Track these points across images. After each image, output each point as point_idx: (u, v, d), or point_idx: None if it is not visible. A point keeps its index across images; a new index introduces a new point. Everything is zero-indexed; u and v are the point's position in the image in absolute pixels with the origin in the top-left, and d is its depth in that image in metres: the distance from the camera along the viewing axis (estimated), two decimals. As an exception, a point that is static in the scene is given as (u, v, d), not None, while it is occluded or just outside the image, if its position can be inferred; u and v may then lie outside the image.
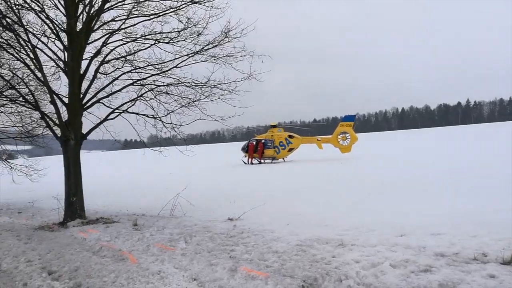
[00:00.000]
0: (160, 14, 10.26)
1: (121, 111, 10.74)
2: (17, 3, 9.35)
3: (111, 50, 10.64)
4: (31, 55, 9.77)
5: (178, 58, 10.71)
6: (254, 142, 29.00)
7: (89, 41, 10.31)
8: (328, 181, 13.91)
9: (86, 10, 10.07)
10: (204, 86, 10.76)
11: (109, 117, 10.69)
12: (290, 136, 28.37)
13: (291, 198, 11.14)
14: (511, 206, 7.63)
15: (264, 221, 7.89)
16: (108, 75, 10.92)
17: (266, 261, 5.39)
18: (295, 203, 10.17)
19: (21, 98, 11.30)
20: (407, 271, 4.42)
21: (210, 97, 10.77)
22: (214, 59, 10.69)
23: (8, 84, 11.28)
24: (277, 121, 30.40)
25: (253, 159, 28.82)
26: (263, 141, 28.84)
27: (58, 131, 10.46)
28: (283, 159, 28.79)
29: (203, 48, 10.57)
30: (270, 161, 28.82)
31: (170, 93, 10.96)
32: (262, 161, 28.98)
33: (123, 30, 10.54)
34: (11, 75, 11.62)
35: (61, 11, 10.09)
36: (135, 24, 10.48)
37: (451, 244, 5.25)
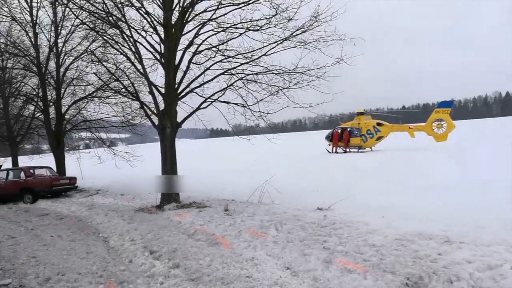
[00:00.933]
0: (250, 2, 10.28)
1: (213, 100, 11.06)
2: (121, 1, 10.05)
3: (203, 41, 10.97)
4: (133, 49, 10.46)
5: (267, 45, 10.69)
6: (339, 130, 28.14)
7: (184, 33, 10.73)
8: (421, 172, 12.91)
9: (181, 3, 10.48)
10: (293, 73, 10.62)
11: (202, 107, 11.09)
12: (378, 124, 26.93)
13: (382, 189, 10.53)
14: None
15: (356, 213, 7.54)
16: (200, 65, 11.31)
17: (363, 254, 5.11)
18: (387, 195, 9.58)
19: (124, 89, 12.25)
20: (535, 277, 3.84)
21: (298, 84, 10.61)
22: (303, 45, 10.47)
23: (113, 76, 12.27)
24: (362, 108, 29.10)
25: (338, 148, 28.02)
26: (349, 129, 27.83)
27: (155, 120, 11.15)
28: (371, 148, 27.50)
29: (292, 34, 10.40)
30: (357, 150, 27.75)
31: (259, 81, 11.01)
32: (348, 150, 28.03)
33: (214, 21, 10.80)
34: (115, 68, 12.66)
35: (158, 5, 10.63)
36: (225, 14, 10.65)
37: None
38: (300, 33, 10.35)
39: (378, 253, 5.04)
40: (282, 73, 10.72)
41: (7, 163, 23.42)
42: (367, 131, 27.02)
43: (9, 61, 19.73)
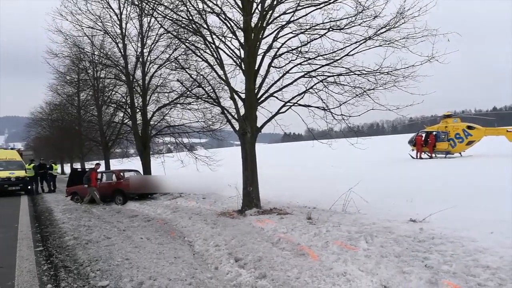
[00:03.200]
0: (331, 1, 9.90)
1: (292, 104, 10.84)
2: (203, 8, 10.27)
3: (283, 44, 10.79)
4: (215, 55, 10.61)
5: (349, 45, 10.20)
6: (423, 135, 26.31)
7: (263, 36, 10.66)
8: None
9: (259, 7, 10.43)
10: (377, 73, 10.01)
11: (281, 111, 10.92)
12: (469, 127, 24.64)
13: (482, 200, 9.44)
14: None
15: (457, 226, 6.74)
16: (279, 69, 11.16)
17: (476, 277, 4.47)
18: (493, 207, 8.53)
19: (205, 95, 12.53)
20: None
21: (385, 85, 9.96)
22: (388, 43, 9.82)
23: (195, 83, 12.62)
24: (444, 111, 26.88)
25: (423, 153, 26.19)
26: (434, 133, 25.89)
27: (235, 125, 11.20)
28: (460, 153, 25.29)
29: (376, 32, 9.80)
30: (444, 155, 25.69)
31: (340, 83, 10.55)
32: (434, 155, 26.06)
33: (293, 22, 10.58)
34: (196, 75, 13.01)
35: (238, 10, 10.68)
36: (305, 15, 10.38)
37: None
38: (385, 31, 9.72)
39: (496, 277, 4.36)
40: (366, 73, 10.16)
41: (101, 166, 25.43)
42: (456, 135, 24.89)
43: (102, 71, 21.48)
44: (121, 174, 16.37)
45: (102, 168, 22.54)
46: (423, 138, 26.06)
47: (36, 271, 6.14)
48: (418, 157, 26.07)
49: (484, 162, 19.20)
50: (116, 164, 23.92)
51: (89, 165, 31.07)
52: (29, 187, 21.32)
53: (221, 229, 8.50)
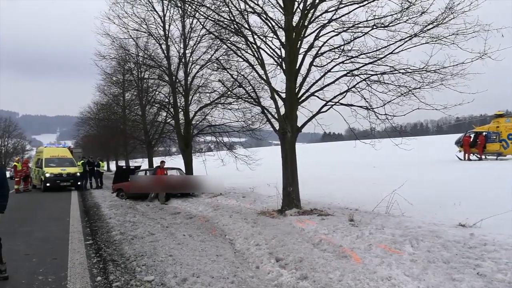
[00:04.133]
0: (374, -2, 9.65)
1: (334, 103, 10.68)
2: (245, 8, 10.34)
3: (324, 42, 10.66)
4: (256, 55, 10.66)
5: (393, 43, 9.90)
6: (472, 135, 25.04)
7: (305, 35, 10.58)
8: None
9: (301, 6, 10.35)
10: (423, 72, 9.65)
11: (322, 110, 10.79)
12: (523, 128, 23.23)
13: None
14: None
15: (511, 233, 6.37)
16: (321, 68, 11.03)
17: (534, 288, 4.20)
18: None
19: (246, 95, 12.62)
20: None
21: (432, 84, 9.59)
22: (436, 40, 9.44)
23: (236, 82, 12.74)
24: (495, 109, 25.38)
25: (471, 154, 24.94)
26: (484, 133, 24.57)
27: (276, 125, 11.19)
28: (513, 155, 23.88)
29: (422, 29, 9.45)
30: (495, 157, 24.33)
31: (384, 81, 10.27)
32: (484, 157, 24.75)
33: (335, 21, 10.41)
34: (237, 75, 13.14)
35: (279, 10, 10.66)
36: (348, 13, 10.19)
37: None
38: (432, 28, 9.35)
39: (557, 289, 4.08)
40: (411, 72, 9.82)
41: (144, 164, 26.31)
42: (509, 135, 23.49)
43: (146, 72, 22.20)
44: (165, 172, 16.82)
45: (145, 165, 23.29)
46: (471, 139, 24.79)
47: (86, 264, 6.44)
48: (467, 159, 24.85)
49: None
50: (159, 162, 24.60)
51: (133, 162, 32.27)
52: (78, 183, 22.43)
53: (261, 228, 8.51)
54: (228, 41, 11.89)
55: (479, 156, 24.84)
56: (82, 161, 23.63)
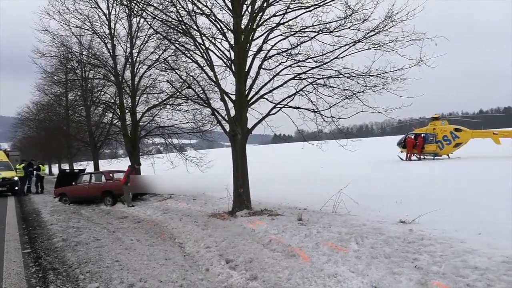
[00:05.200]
0: (321, 4, 9.97)
1: (282, 105, 10.87)
2: (193, 9, 10.25)
3: (273, 46, 10.83)
4: (205, 56, 10.60)
5: (338, 48, 10.28)
6: (413, 136, 26.59)
7: (253, 38, 10.68)
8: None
9: (249, 10, 10.45)
10: (366, 76, 10.11)
11: (271, 112, 10.94)
12: (456, 129, 24.98)
13: (470, 201, 9.58)
14: None
15: (446, 227, 6.84)
16: (270, 71, 11.18)
17: (465, 278, 4.53)
18: (480, 208, 8.67)
19: (195, 96, 12.50)
20: None
21: (374, 88, 10.06)
22: (378, 46, 9.93)
23: (185, 84, 12.58)
24: (432, 113, 27.22)
25: (412, 155, 26.48)
26: (423, 135, 26.19)
27: (226, 127, 11.20)
28: (448, 155, 25.64)
29: (365, 35, 9.89)
30: (432, 157, 26.01)
31: (330, 85, 10.62)
32: (422, 157, 26.38)
33: (283, 25, 10.62)
34: (186, 76, 12.98)
35: (228, 12, 10.69)
36: (295, 18, 10.44)
37: None
38: (374, 34, 9.83)
39: (484, 277, 4.43)
40: (355, 76, 10.25)
41: (89, 167, 25.19)
42: (444, 137, 25.23)
43: (90, 71, 21.28)
44: (110, 175, 16.23)
45: (90, 169, 22.32)
46: (416, 141, 26.27)
47: (24, 274, 6.06)
48: (408, 159, 26.34)
49: (472, 164, 19.49)
50: (105, 165, 23.72)
51: (77, 165, 30.81)
52: (16, 188, 21.00)
53: (212, 230, 8.48)
54: (177, 42, 11.71)
55: (418, 156, 26.43)
56: (23, 164, 22.16)
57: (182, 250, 7.66)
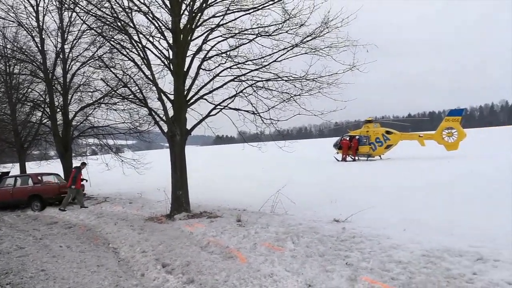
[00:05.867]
0: (260, 7, 10.11)
1: (223, 107, 10.86)
2: (129, 6, 9.90)
3: (212, 47, 10.79)
4: (141, 55, 10.28)
5: (277, 52, 10.49)
6: (348, 138, 27.85)
7: (192, 38, 10.56)
8: (439, 182, 12.58)
9: (189, 9, 10.32)
10: (304, 80, 10.40)
11: (211, 113, 10.88)
12: (387, 132, 26.59)
13: (399, 200, 10.23)
14: None
15: (375, 225, 7.24)
16: (209, 72, 11.12)
17: (390, 272, 4.82)
18: (406, 206, 9.28)
19: (131, 95, 12.06)
20: None
21: (310, 91, 10.38)
22: (314, 51, 10.27)
23: (121, 82, 12.09)
24: (367, 116, 28.83)
25: (347, 156, 27.72)
26: (357, 137, 27.53)
27: (164, 127, 10.95)
28: (380, 156, 27.18)
29: (302, 40, 10.19)
30: (365, 158, 27.42)
31: (269, 88, 10.79)
32: (357, 158, 27.72)
33: (223, 26, 10.63)
34: (122, 74, 12.48)
35: (166, 11, 10.46)
36: (234, 19, 10.48)
37: None
38: (310, 39, 10.15)
39: (406, 270, 4.74)
40: (293, 80, 10.51)
41: (15, 169, 23.31)
42: (376, 139, 26.72)
43: (16, 66, 19.66)
44: (39, 177, 15.16)
45: (15, 172, 20.71)
46: (351, 143, 27.47)
47: None
48: (343, 160, 27.50)
49: (401, 164, 20.83)
50: (33, 167, 22.08)
51: (1, 168, 28.35)
52: None
53: (149, 234, 8.25)
54: (112, 39, 11.24)
55: (353, 157, 27.72)
56: None
57: (116, 255, 7.35)
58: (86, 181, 15.30)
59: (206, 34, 10.69)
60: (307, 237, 6.70)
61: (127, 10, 9.83)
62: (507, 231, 6.09)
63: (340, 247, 6.01)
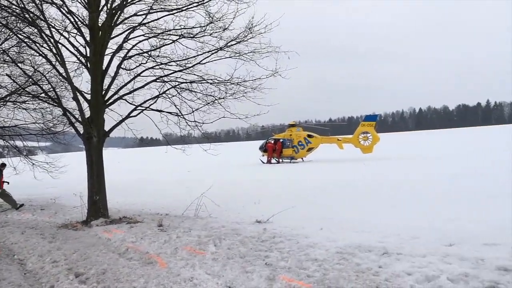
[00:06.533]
0: (183, 8, 9.99)
1: (144, 108, 10.52)
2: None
3: (133, 46, 10.42)
4: (54, 50, 9.58)
5: (201, 54, 10.44)
6: (272, 141, 28.62)
7: (112, 36, 10.10)
8: (354, 183, 13.45)
9: (109, 5, 9.86)
10: (228, 83, 10.48)
11: (132, 115, 10.49)
12: (309, 136, 27.88)
13: (318, 200, 10.75)
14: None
15: (295, 225, 7.51)
16: (130, 71, 10.71)
17: (306, 270, 5.03)
18: (324, 206, 9.78)
19: (43, 94, 11.17)
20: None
21: (234, 95, 10.48)
22: (238, 55, 10.39)
23: (31, 80, 11.14)
24: (291, 120, 29.97)
25: (272, 158, 28.45)
26: (281, 140, 28.43)
27: (80, 128, 10.30)
28: (302, 159, 28.33)
29: (227, 44, 10.26)
30: (289, 160, 28.40)
31: (193, 90, 10.69)
32: (281, 160, 28.59)
33: (145, 25, 10.32)
34: (33, 71, 11.51)
35: (82, 5, 9.89)
36: (157, 19, 10.23)
37: (512, 256, 4.79)
38: (235, 44, 10.26)
39: (321, 268, 4.99)
40: (217, 83, 10.53)
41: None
42: (299, 142, 27.83)
43: None
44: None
45: None
46: (276, 145, 28.22)
47: None
48: (268, 162, 28.18)
49: (321, 166, 21.90)
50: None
51: None
52: None
53: (61, 243, 7.70)
54: (21, 32, 10.31)
55: (277, 159, 28.54)
56: None
57: (22, 267, 6.72)
58: (8, 183, 13.84)
59: (127, 32, 10.30)
60: (229, 239, 6.74)
61: (36, 1, 9.10)
62: (408, 225, 6.71)
63: (261, 247, 6.14)
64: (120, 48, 10.27)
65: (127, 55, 10.31)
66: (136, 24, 10.22)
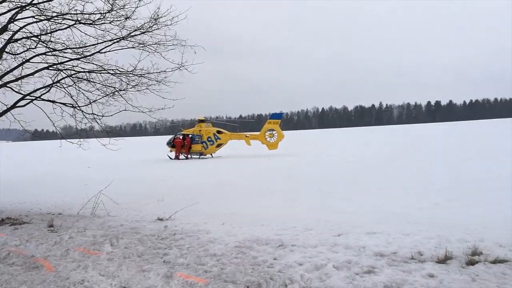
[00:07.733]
0: (81, -9, 9.26)
1: (34, 97, 9.54)
2: None
3: (21, 28, 9.36)
4: None
5: (102, 42, 9.80)
6: (181, 137, 28.12)
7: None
8: (258, 178, 13.85)
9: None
10: (131, 75, 10.01)
11: (18, 104, 9.45)
12: (218, 132, 27.97)
13: (223, 196, 10.84)
14: (431, 204, 8.21)
15: (197, 221, 7.48)
16: (17, 56, 9.62)
17: (204, 265, 5.02)
18: (228, 201, 9.89)
19: None
20: (352, 273, 4.36)
21: (137, 87, 10.04)
22: (142, 46, 9.98)
23: None
24: (202, 115, 29.83)
25: (180, 154, 27.96)
26: (190, 135, 28.06)
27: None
28: (211, 154, 28.33)
29: (130, 33, 9.78)
30: (198, 156, 28.18)
31: (92, 80, 10.00)
32: (189, 156, 28.23)
33: (35, 6, 9.32)
34: None
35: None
36: (50, 0, 9.32)
37: (388, 243, 5.32)
38: (138, 34, 9.83)
39: (219, 262, 5.02)
40: (119, 73, 9.99)
41: None
42: (208, 138, 27.78)
43: None
44: None
45: None
46: (185, 141, 27.73)
47: None
48: (176, 158, 27.62)
49: (230, 162, 22.16)
50: None
51: None
52: None
53: None
54: None
55: (186, 155, 28.13)
56: None
57: None
58: None
59: (14, 12, 9.21)
60: (127, 238, 6.46)
61: None
62: (304, 219, 7.12)
63: (160, 245, 5.98)
64: (4, 29, 9.15)
65: (13, 38, 9.23)
66: (25, 4, 9.19)
